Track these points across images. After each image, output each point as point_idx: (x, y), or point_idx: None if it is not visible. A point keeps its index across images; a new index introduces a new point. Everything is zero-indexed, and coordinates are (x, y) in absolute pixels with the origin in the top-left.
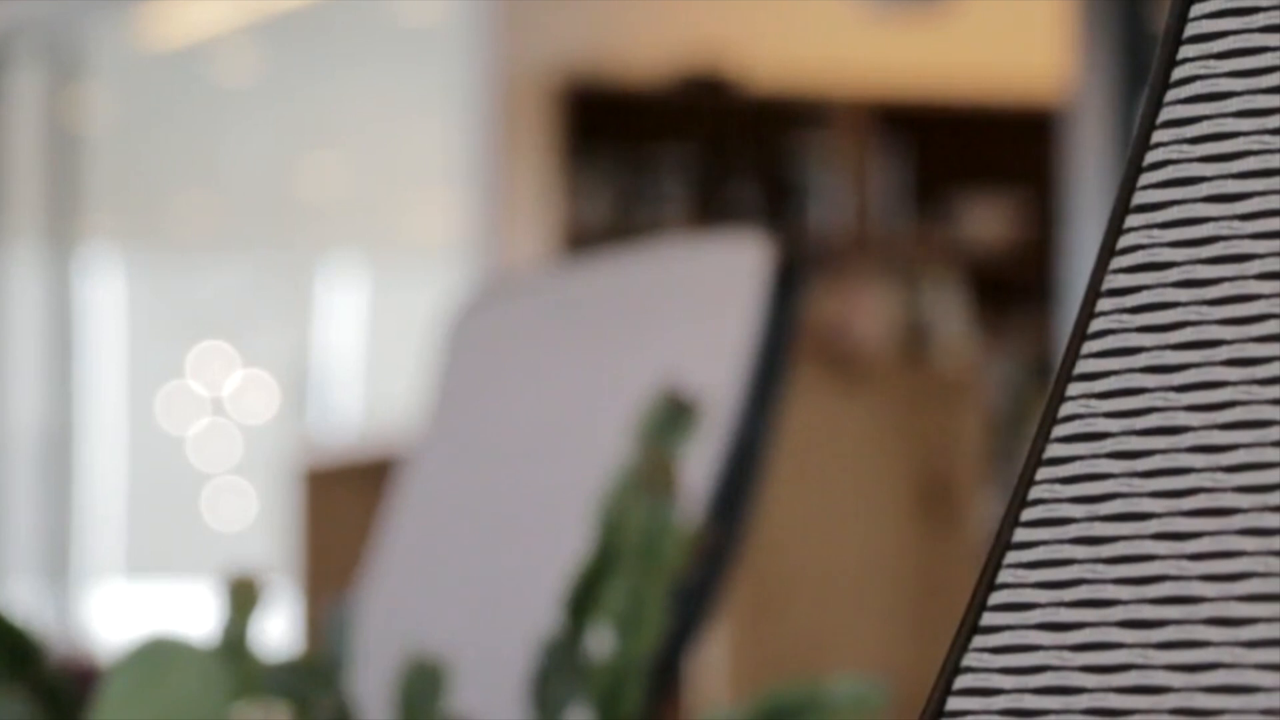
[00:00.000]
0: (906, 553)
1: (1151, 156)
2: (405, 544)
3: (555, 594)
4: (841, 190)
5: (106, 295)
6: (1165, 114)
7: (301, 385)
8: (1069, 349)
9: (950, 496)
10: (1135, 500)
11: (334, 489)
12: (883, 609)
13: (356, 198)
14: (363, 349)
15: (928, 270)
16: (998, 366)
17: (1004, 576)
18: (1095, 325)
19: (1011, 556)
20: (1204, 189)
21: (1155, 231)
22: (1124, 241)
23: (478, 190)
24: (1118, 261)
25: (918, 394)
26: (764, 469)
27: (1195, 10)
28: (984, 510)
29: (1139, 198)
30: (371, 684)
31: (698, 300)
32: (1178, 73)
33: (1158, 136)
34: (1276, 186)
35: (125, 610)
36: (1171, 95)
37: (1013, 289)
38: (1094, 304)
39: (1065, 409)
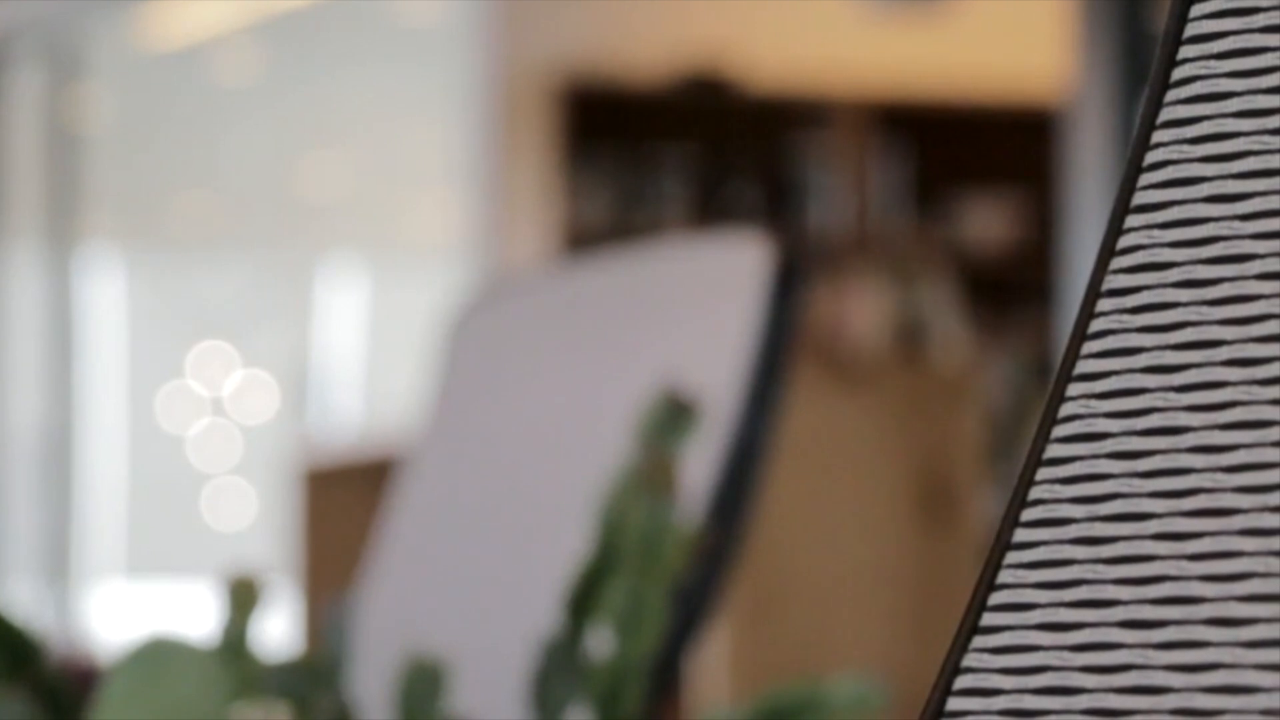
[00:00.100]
0: (906, 553)
1: (1151, 157)
2: (405, 544)
3: (555, 594)
4: (841, 190)
5: (106, 295)
6: (1165, 114)
7: (301, 385)
8: (1069, 349)
9: (950, 496)
10: (1135, 500)
11: (334, 489)
12: (883, 609)
13: (356, 198)
14: (363, 349)
15: (927, 270)
16: (997, 366)
17: (1004, 577)
18: (1095, 325)
19: (1011, 557)
20: (1204, 189)
21: (1155, 232)
22: (1124, 242)
23: (478, 190)
24: (1118, 261)
25: (917, 394)
26: (764, 469)
27: (1195, 10)
28: (984, 510)
29: (1139, 198)
30: (371, 684)
31: (698, 300)
32: (1178, 73)
33: (1158, 137)
34: (1277, 187)
35: (125, 610)
36: (1171, 95)
37: (1012, 289)
38: (1094, 304)
39: (1065, 409)
